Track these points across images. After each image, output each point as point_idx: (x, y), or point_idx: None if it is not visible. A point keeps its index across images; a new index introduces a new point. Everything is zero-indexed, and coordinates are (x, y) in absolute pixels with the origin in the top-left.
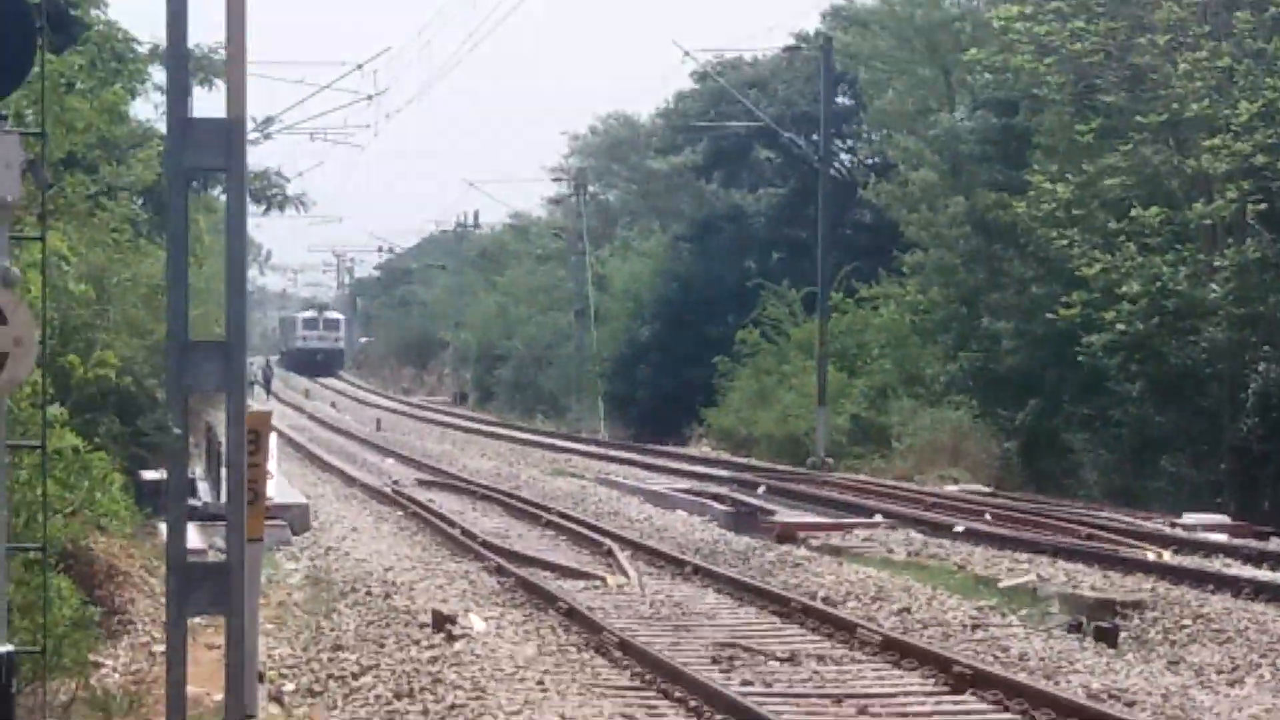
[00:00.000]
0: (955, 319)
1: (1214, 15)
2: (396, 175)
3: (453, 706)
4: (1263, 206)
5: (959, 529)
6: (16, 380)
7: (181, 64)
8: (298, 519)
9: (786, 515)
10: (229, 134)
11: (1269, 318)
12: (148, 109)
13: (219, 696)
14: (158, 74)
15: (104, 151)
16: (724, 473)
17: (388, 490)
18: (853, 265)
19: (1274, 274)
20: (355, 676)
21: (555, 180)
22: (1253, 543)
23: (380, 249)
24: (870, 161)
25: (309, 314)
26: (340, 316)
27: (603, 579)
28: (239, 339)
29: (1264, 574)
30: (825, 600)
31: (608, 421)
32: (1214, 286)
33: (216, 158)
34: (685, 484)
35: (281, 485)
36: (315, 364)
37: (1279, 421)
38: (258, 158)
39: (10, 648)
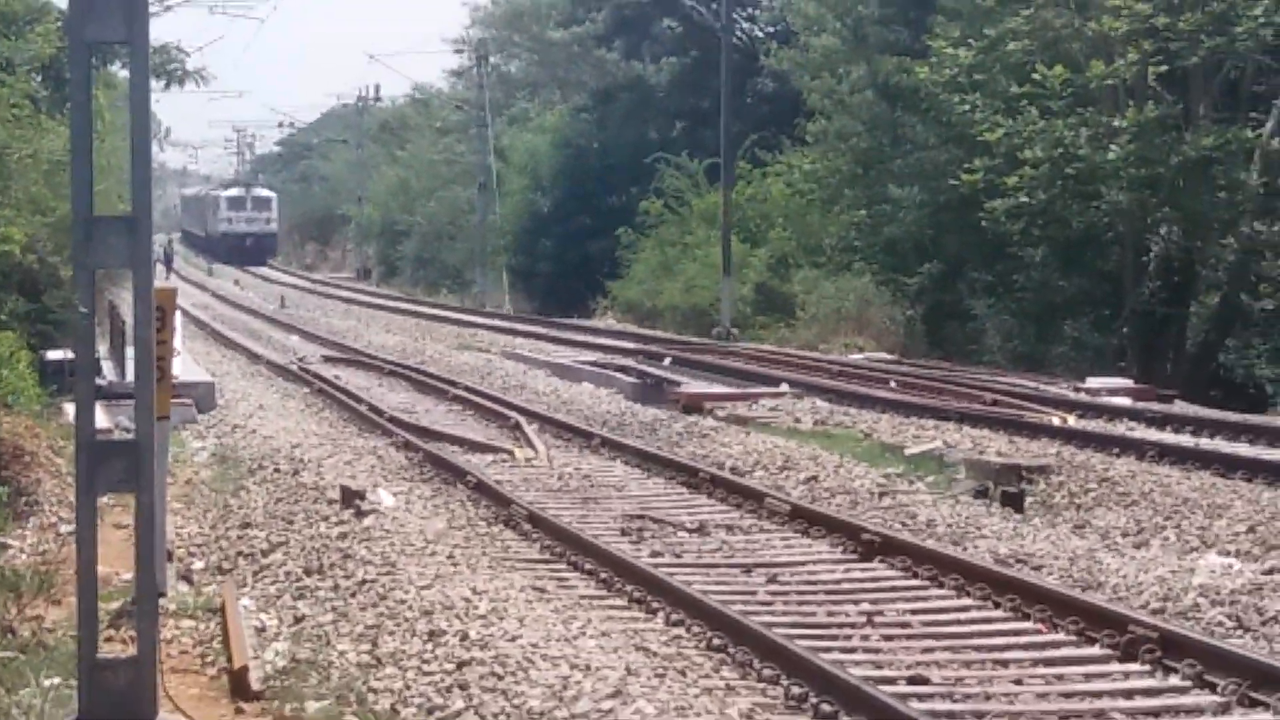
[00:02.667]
0: (857, 185)
1: None
2: (297, 49)
3: (363, 582)
4: (1164, 68)
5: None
6: None
7: None
8: (204, 397)
9: (693, 386)
10: (131, 5)
11: (1169, 180)
12: None
13: (128, 575)
14: None
15: (1, 25)
16: (629, 345)
17: (293, 367)
18: (756, 135)
19: (1174, 135)
20: (264, 554)
21: (456, 52)
22: (1156, 406)
23: (281, 124)
24: (772, 29)
25: (235, 192)
26: (271, 194)
27: (510, 452)
28: (144, 214)
29: (1168, 436)
30: (733, 470)
31: (512, 295)
32: (1115, 148)
33: (118, 30)
34: (591, 356)
35: (187, 363)
36: (244, 250)
37: (1180, 285)
38: (157, 32)
39: None
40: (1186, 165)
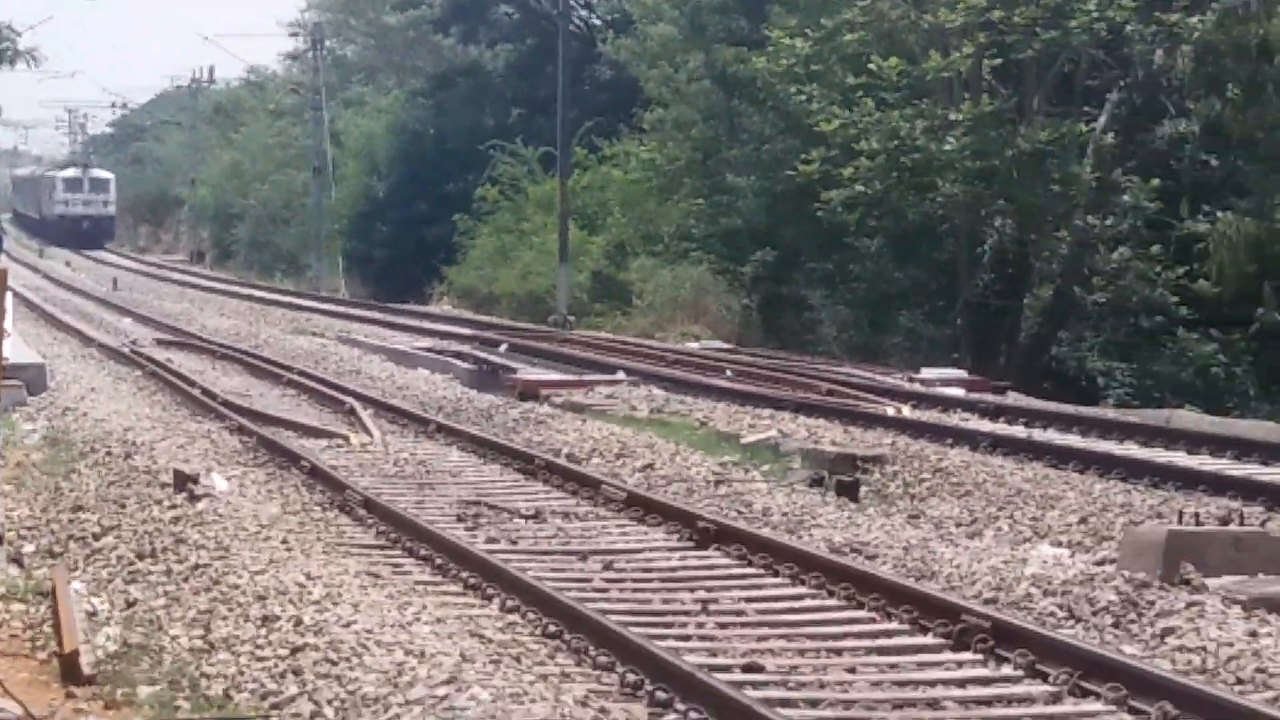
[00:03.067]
0: (695, 174)
1: None
2: (130, 29)
3: (196, 566)
4: (998, 61)
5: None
6: None
7: None
8: (34, 379)
9: (529, 373)
10: None
11: (1004, 173)
12: None
13: None
14: None
15: None
16: (466, 331)
17: (126, 350)
18: (593, 121)
19: (1009, 129)
20: (96, 537)
21: (292, 35)
22: (989, 397)
23: (114, 105)
24: (610, 17)
25: (71, 172)
26: (109, 175)
27: (346, 438)
28: None
29: (1001, 428)
30: (569, 457)
31: (347, 280)
32: (950, 141)
33: None
34: (427, 342)
35: (17, 345)
36: (81, 234)
37: (1014, 277)
38: None
39: None
40: (1021, 158)
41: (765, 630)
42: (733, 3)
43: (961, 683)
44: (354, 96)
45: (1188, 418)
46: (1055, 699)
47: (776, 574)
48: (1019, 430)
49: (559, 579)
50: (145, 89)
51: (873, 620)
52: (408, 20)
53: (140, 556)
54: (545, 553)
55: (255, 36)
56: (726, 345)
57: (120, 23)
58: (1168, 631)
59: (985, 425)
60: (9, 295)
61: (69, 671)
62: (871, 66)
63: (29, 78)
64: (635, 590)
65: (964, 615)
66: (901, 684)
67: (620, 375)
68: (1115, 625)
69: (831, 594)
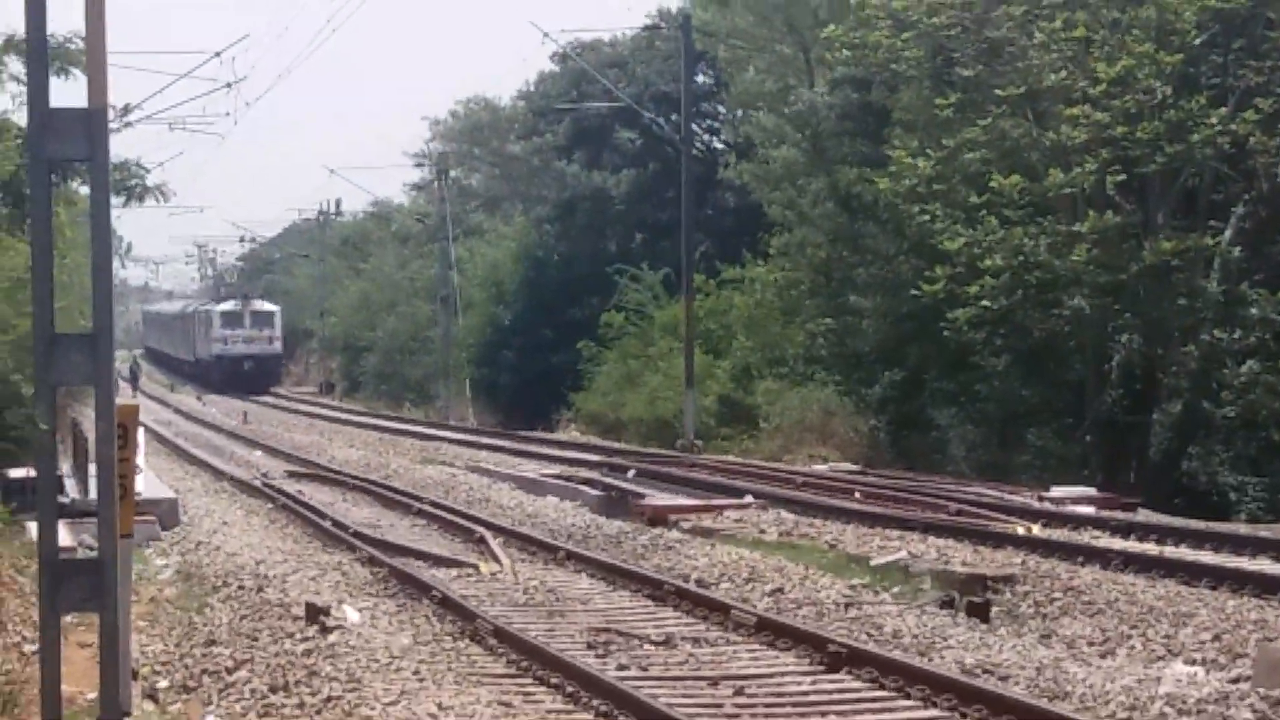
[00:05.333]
0: (819, 296)
1: None
2: (257, 164)
3: (329, 699)
4: (1121, 176)
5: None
6: None
7: (42, 53)
8: (167, 514)
9: (657, 498)
10: (91, 123)
11: (1130, 287)
12: (4, 100)
13: (93, 695)
14: (14, 64)
15: None
16: (594, 457)
17: (257, 483)
18: (716, 246)
19: (1134, 243)
20: (230, 671)
21: (417, 166)
22: (1120, 514)
23: (243, 239)
24: (731, 141)
25: (230, 306)
26: (274, 308)
27: (475, 566)
28: (106, 331)
29: (1132, 545)
30: (698, 582)
31: (475, 408)
32: (1075, 257)
33: (79, 147)
34: (555, 469)
35: (150, 480)
36: (243, 376)
37: (1142, 392)
38: (117, 148)
39: None
40: (1147, 272)
41: None
42: (853, 125)
43: None
44: (478, 225)
45: None
46: None
47: (909, 696)
48: (1150, 547)
49: (691, 705)
50: (273, 222)
51: None
52: (532, 148)
53: (273, 690)
54: (676, 679)
55: (381, 168)
56: (854, 467)
57: (248, 157)
58: None
59: (1116, 543)
60: (141, 430)
61: None
62: (993, 185)
63: (158, 214)
64: (767, 715)
65: None
66: None
67: (748, 499)
68: None
69: (964, 715)
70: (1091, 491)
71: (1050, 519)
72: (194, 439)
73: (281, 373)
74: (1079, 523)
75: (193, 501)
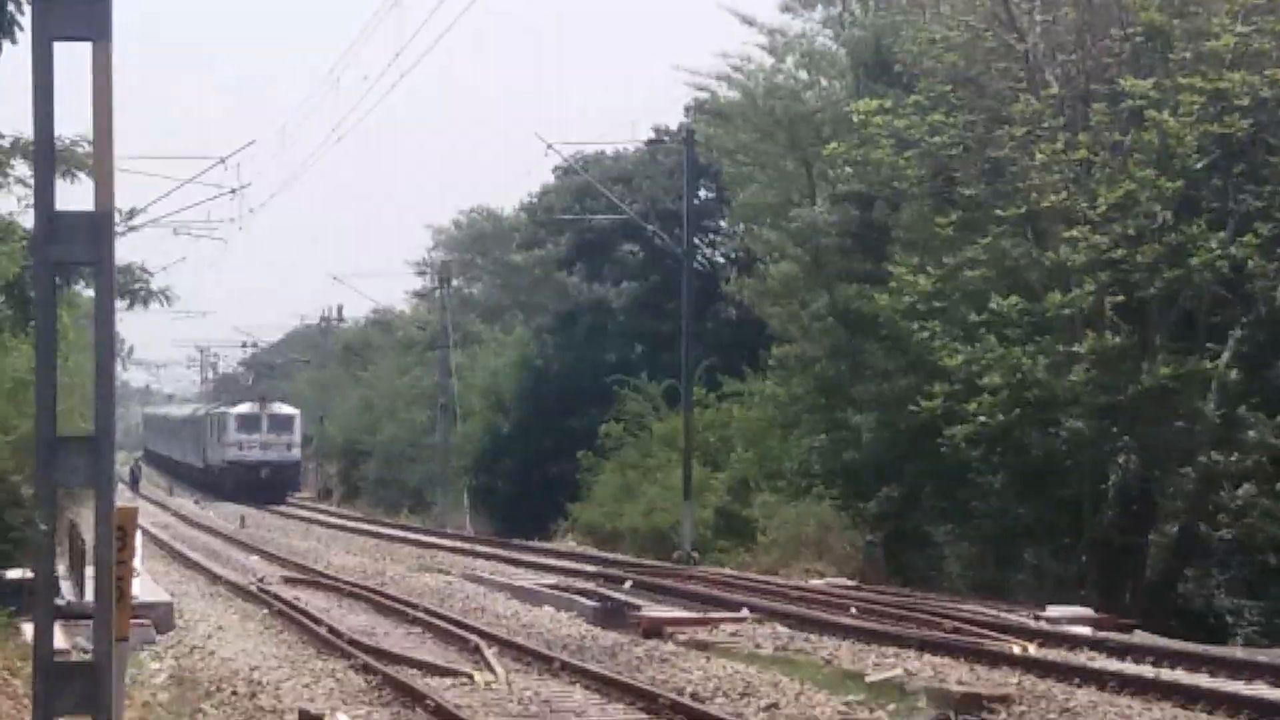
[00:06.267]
0: (816, 410)
1: (1070, 108)
2: (261, 269)
3: None
4: (1120, 298)
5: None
6: None
7: (49, 156)
8: (162, 617)
9: (653, 610)
10: (97, 227)
11: (1128, 408)
12: (9, 202)
13: None
14: (20, 167)
15: None
16: (590, 567)
17: (253, 588)
18: (716, 359)
19: (1132, 364)
20: None
21: (419, 274)
22: (1116, 635)
23: (244, 344)
24: (733, 255)
25: (246, 408)
26: (293, 412)
27: (470, 676)
28: (107, 434)
29: (1129, 667)
30: (693, 696)
31: (473, 516)
32: (1073, 377)
33: (85, 251)
34: (552, 579)
35: (146, 583)
36: (259, 484)
37: (1139, 513)
38: (121, 251)
39: None
40: (1145, 394)
41: None
42: (854, 241)
43: None
44: (478, 333)
45: None
46: None
47: None
48: (1147, 669)
49: None
50: (275, 327)
51: None
52: (533, 259)
53: None
54: None
55: (383, 276)
56: (850, 582)
57: (251, 262)
58: None
59: (1113, 664)
60: (139, 533)
61: None
62: (993, 305)
63: (161, 317)
64: None
65: None
66: None
67: (745, 612)
68: None
69: None
70: (1088, 611)
71: (1047, 638)
72: (191, 542)
73: (300, 481)
74: (1076, 643)
75: (188, 605)
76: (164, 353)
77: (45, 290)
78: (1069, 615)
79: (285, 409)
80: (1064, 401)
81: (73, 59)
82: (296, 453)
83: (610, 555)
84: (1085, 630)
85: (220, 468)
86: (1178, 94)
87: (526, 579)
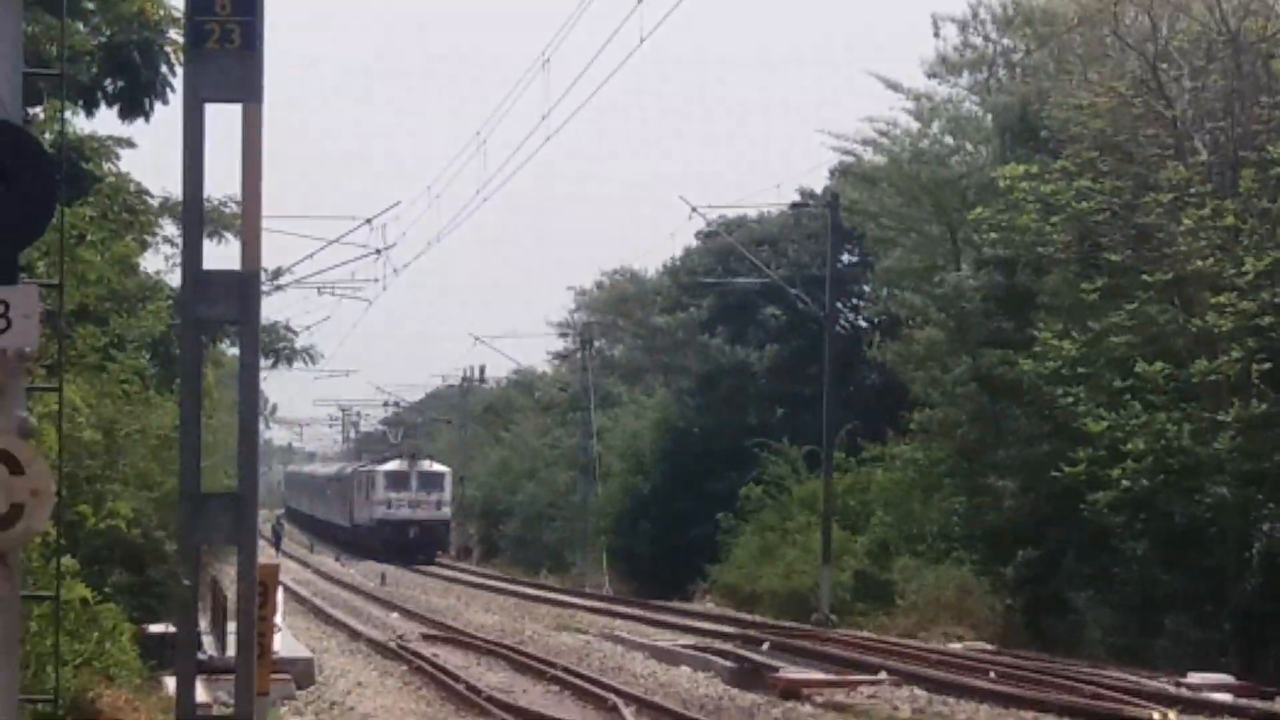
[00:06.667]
0: (958, 474)
1: (1218, 174)
2: (403, 329)
3: None
4: (1267, 365)
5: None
6: (33, 531)
7: (198, 217)
8: (302, 673)
9: (791, 671)
10: (243, 286)
11: (1274, 476)
12: (157, 261)
13: None
14: (167, 226)
15: (114, 303)
16: (728, 629)
17: (392, 645)
18: (852, 424)
19: (1278, 432)
20: None
21: (561, 335)
22: (1258, 703)
23: (386, 403)
24: (876, 319)
25: (395, 465)
26: (444, 470)
27: None
28: (250, 491)
29: None
30: None
31: (611, 576)
32: (1219, 444)
33: (230, 309)
34: (689, 640)
35: (287, 639)
36: (407, 544)
37: None
38: (266, 310)
39: None
40: None
41: None
42: (998, 306)
43: None
44: (619, 395)
45: None
46: None
47: None
48: None
49: None
50: (417, 387)
51: None
52: (676, 322)
53: None
54: None
55: (525, 337)
56: (989, 646)
57: (394, 322)
58: None
59: None
60: (280, 589)
61: None
62: (1139, 370)
63: (304, 376)
64: None
65: None
66: None
67: (882, 675)
68: None
69: None
70: (1229, 679)
71: (1187, 705)
72: (332, 599)
73: (449, 540)
74: (1216, 710)
75: (328, 661)
76: (306, 411)
77: (191, 348)
78: (1210, 683)
79: (435, 467)
80: (1209, 468)
81: (222, 118)
82: (446, 511)
83: (748, 617)
84: (1226, 697)
85: (368, 527)
86: None
87: (664, 639)
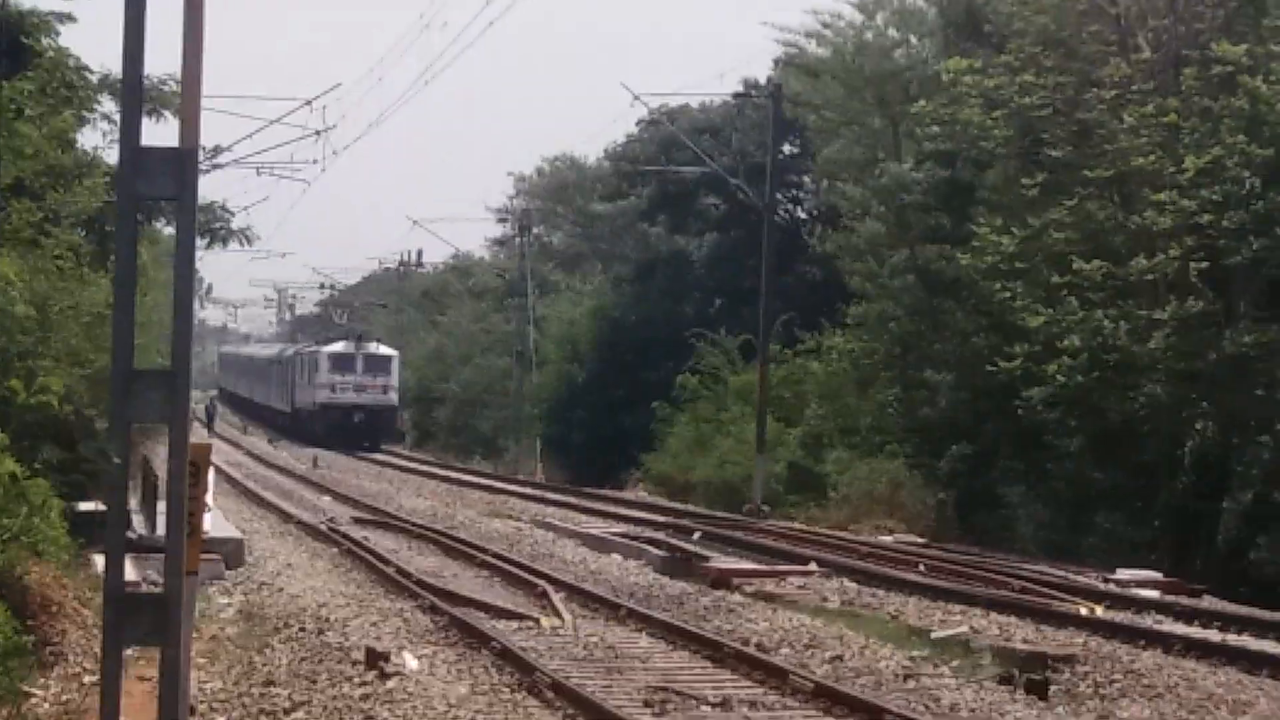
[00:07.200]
0: (893, 367)
1: (1161, 72)
2: (341, 212)
3: None
4: (1205, 264)
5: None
6: None
7: (137, 93)
8: (232, 553)
9: (722, 561)
10: (181, 163)
11: (1208, 375)
12: (95, 137)
13: None
14: (106, 103)
15: (50, 179)
16: (660, 518)
17: (323, 527)
18: (789, 315)
19: (1214, 331)
20: (286, 712)
21: (499, 221)
22: (1185, 600)
23: (322, 286)
24: (815, 211)
25: (340, 347)
26: (391, 353)
27: (537, 620)
28: (184, 370)
29: (1195, 631)
30: (758, 646)
31: (545, 464)
32: (1154, 342)
33: (168, 187)
34: (621, 528)
35: (217, 520)
36: (352, 429)
37: (1215, 480)
38: (203, 190)
39: None
40: (1225, 362)
41: None
42: (937, 201)
43: None
44: (557, 282)
45: None
46: None
47: None
48: (1213, 634)
49: None
50: (354, 270)
51: None
52: (615, 210)
53: None
54: None
55: (463, 221)
56: (920, 540)
57: (332, 205)
58: None
59: (1179, 628)
60: (211, 470)
61: None
62: (1076, 267)
63: (240, 257)
64: None
65: None
66: None
67: (813, 566)
68: None
69: None
70: (1158, 575)
71: (1114, 601)
72: (263, 481)
73: (395, 427)
74: (1143, 606)
75: (259, 543)
76: (242, 292)
77: (126, 224)
78: (1138, 579)
79: (382, 349)
80: (1144, 366)
81: None
82: (394, 396)
83: (680, 506)
84: (1154, 594)
85: (309, 411)
86: (1270, 60)
87: (596, 527)
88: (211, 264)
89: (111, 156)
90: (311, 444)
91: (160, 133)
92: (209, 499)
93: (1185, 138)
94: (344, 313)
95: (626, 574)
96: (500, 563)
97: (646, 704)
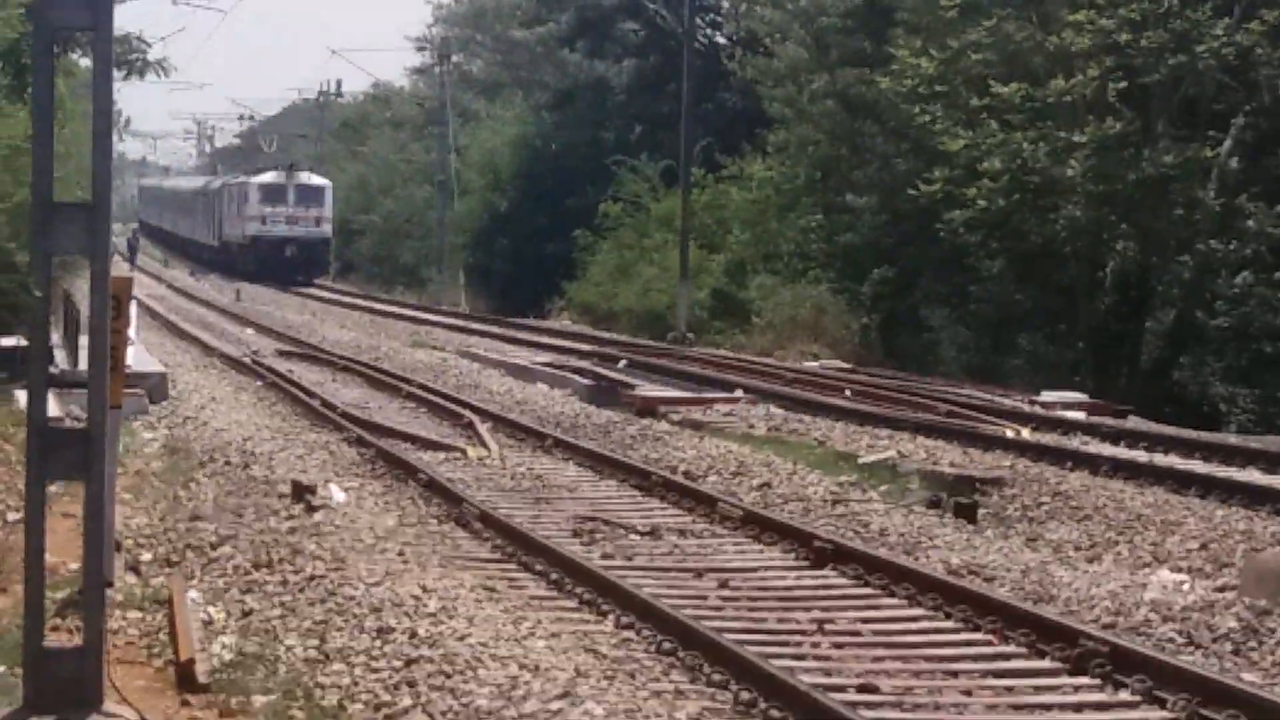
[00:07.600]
0: (815, 193)
1: None
2: (260, 42)
3: (312, 577)
4: (1124, 84)
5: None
6: None
7: None
8: (156, 388)
9: (647, 389)
10: None
11: (1127, 196)
12: None
13: (75, 565)
14: None
15: None
16: (585, 346)
17: (247, 360)
18: (710, 140)
19: (1133, 152)
20: (213, 546)
21: (419, 50)
22: (1110, 421)
23: (241, 117)
24: (735, 36)
25: (270, 177)
26: (324, 183)
27: (463, 451)
28: (104, 202)
29: (1121, 451)
30: (686, 474)
31: (468, 294)
32: (1073, 164)
33: (84, 16)
34: (546, 357)
35: (140, 354)
36: (284, 263)
37: (1135, 301)
38: (120, 21)
39: None
40: (1144, 182)
41: (881, 651)
42: (857, 24)
43: (1078, 707)
44: (477, 111)
45: None
46: None
47: (893, 595)
48: (1140, 455)
49: (674, 596)
50: (273, 101)
51: (989, 643)
52: (535, 36)
53: (257, 566)
54: (661, 569)
55: (382, 51)
56: (845, 365)
57: (250, 35)
58: None
59: (1106, 449)
60: (134, 304)
61: (184, 679)
62: (995, 90)
63: (158, 89)
64: (750, 609)
65: (1082, 639)
66: (1018, 708)
67: (739, 393)
68: (1235, 652)
69: (948, 616)
70: (1083, 397)
71: (1040, 423)
72: (186, 314)
73: (329, 261)
74: (1069, 428)
75: (182, 376)
76: (161, 125)
77: (42, 56)
78: (1064, 400)
79: (315, 179)
80: (1064, 188)
81: None
82: (328, 229)
83: (605, 335)
84: (1079, 415)
85: (239, 245)
86: None
87: (521, 357)
88: (130, 96)
89: None
90: (242, 279)
91: None
92: (132, 333)
93: None
94: (273, 140)
95: (552, 403)
96: (425, 394)
97: (575, 534)
